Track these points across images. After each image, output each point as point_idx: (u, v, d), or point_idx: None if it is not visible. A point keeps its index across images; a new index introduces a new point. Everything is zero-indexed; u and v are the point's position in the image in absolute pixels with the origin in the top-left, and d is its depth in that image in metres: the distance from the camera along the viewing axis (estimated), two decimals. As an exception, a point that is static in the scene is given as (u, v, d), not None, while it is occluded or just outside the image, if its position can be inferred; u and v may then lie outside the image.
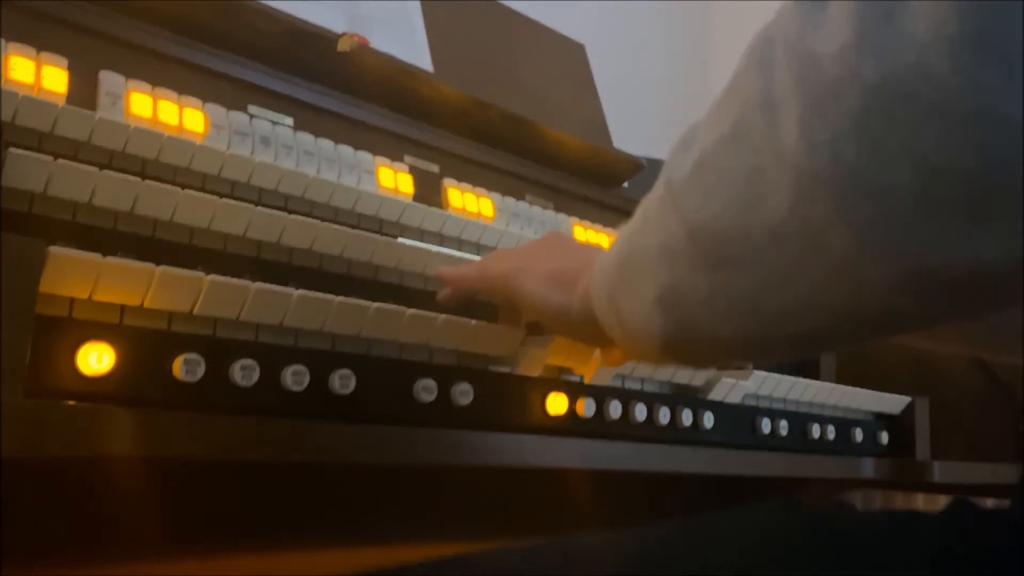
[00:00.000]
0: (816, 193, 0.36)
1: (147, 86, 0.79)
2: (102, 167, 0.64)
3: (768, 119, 0.38)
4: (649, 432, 0.76)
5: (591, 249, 0.65)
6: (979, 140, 0.31)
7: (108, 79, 0.77)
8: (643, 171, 1.29)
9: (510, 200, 1.08)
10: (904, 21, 0.32)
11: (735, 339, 0.44)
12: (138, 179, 0.65)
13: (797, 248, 0.38)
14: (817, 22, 0.36)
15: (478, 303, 0.74)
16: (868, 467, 1.00)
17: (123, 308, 0.50)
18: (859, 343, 0.47)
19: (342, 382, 0.56)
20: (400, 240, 0.84)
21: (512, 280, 0.65)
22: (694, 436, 0.80)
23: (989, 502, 0.60)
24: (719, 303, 0.43)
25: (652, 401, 0.76)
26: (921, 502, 1.58)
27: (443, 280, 0.72)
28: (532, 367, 0.69)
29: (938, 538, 0.48)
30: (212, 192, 0.71)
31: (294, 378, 0.54)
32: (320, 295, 0.57)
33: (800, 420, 0.92)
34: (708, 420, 0.80)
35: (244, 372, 0.52)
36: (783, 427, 0.89)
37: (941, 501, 0.82)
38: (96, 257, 0.48)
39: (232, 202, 0.69)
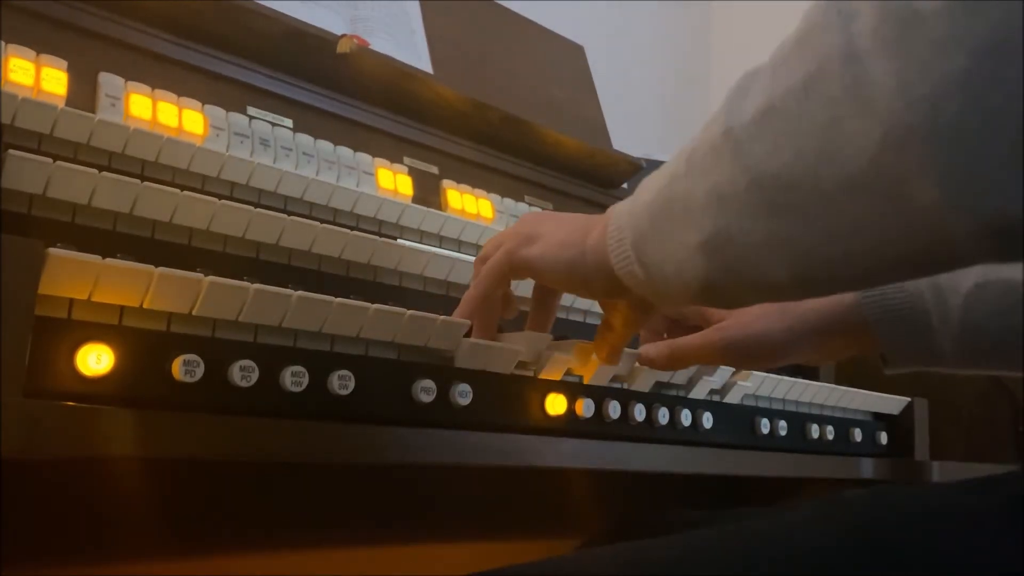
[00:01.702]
0: (908, 145, 0.36)
1: (146, 88, 0.79)
2: (101, 169, 0.64)
3: (852, 71, 0.38)
4: (648, 432, 0.76)
5: (592, 218, 0.65)
6: None
7: (108, 81, 0.77)
8: (642, 172, 1.29)
9: (509, 201, 1.08)
10: None
11: (786, 282, 0.45)
12: (137, 181, 0.65)
13: (873, 198, 0.39)
14: None
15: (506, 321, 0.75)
16: (867, 467, 1.00)
17: (122, 309, 0.50)
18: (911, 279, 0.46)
19: (341, 383, 0.56)
20: (399, 241, 0.84)
21: (521, 250, 0.66)
22: (693, 436, 0.80)
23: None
24: (776, 248, 0.44)
25: (651, 401, 0.76)
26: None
27: (468, 312, 0.70)
28: (554, 371, 0.70)
29: None
30: (211, 194, 0.71)
31: (293, 379, 0.54)
32: (319, 296, 0.57)
33: (799, 420, 0.92)
34: (707, 420, 0.80)
35: (243, 373, 0.52)
36: (782, 427, 0.89)
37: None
38: (95, 258, 0.48)
39: (231, 203, 0.69)
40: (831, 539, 0.52)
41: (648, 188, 0.54)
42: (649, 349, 0.73)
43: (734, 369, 0.85)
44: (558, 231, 0.65)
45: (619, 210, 0.58)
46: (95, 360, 0.47)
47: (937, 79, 0.35)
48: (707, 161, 0.47)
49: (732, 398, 0.86)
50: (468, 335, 0.67)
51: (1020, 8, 0.33)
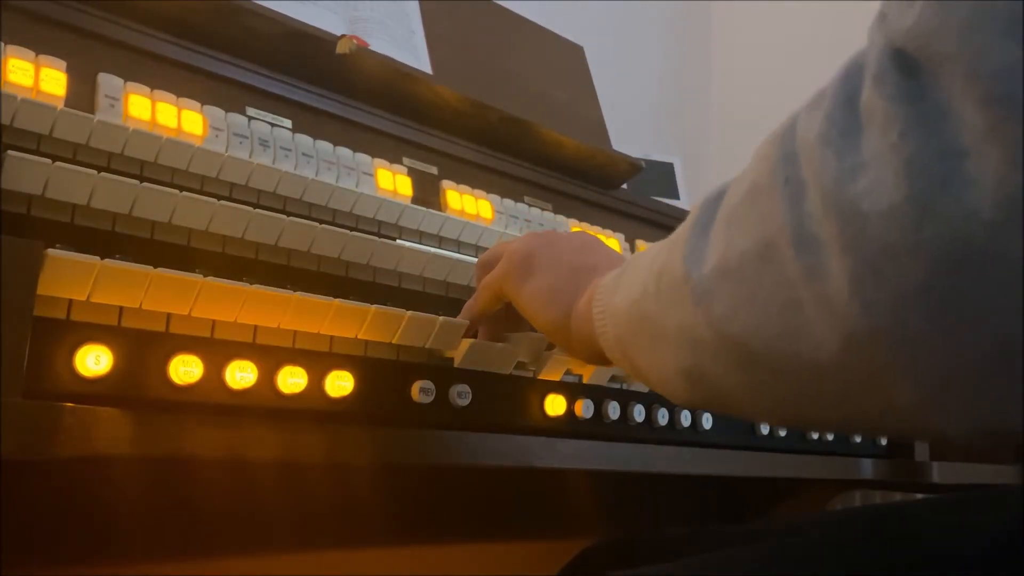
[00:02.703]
0: (875, 348, 0.34)
1: (146, 88, 0.79)
2: (101, 169, 0.64)
3: (804, 260, 0.35)
4: (647, 433, 0.76)
5: (588, 260, 0.63)
6: None
7: (107, 81, 0.77)
8: (642, 172, 1.29)
9: (509, 202, 1.08)
10: (965, 193, 0.30)
11: (768, 420, 0.44)
12: (136, 181, 0.65)
13: (845, 386, 0.36)
14: (854, 167, 0.33)
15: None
16: (867, 468, 1.00)
17: (121, 310, 0.50)
18: None
19: (340, 384, 0.56)
20: (399, 242, 0.84)
21: (512, 284, 0.65)
22: (693, 437, 0.80)
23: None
24: (751, 396, 0.42)
25: (651, 402, 0.76)
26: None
27: (473, 317, 0.69)
28: (554, 372, 0.70)
29: None
30: (211, 194, 0.71)
31: (292, 380, 0.54)
32: (318, 297, 0.57)
33: (799, 421, 0.92)
34: (707, 421, 0.80)
35: (241, 374, 0.52)
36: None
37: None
38: (94, 259, 0.48)
39: (231, 204, 0.69)
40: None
41: (626, 288, 0.51)
42: None
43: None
44: (550, 275, 0.63)
45: (603, 292, 0.55)
46: (94, 361, 0.47)
47: (894, 289, 0.32)
48: (673, 296, 0.45)
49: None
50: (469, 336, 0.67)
51: (980, 223, 0.30)
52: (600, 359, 0.57)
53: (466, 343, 0.64)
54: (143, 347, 0.49)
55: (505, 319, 0.71)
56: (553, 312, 0.61)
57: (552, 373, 0.70)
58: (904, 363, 0.33)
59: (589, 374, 0.72)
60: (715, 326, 0.41)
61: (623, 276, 0.53)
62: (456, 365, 0.64)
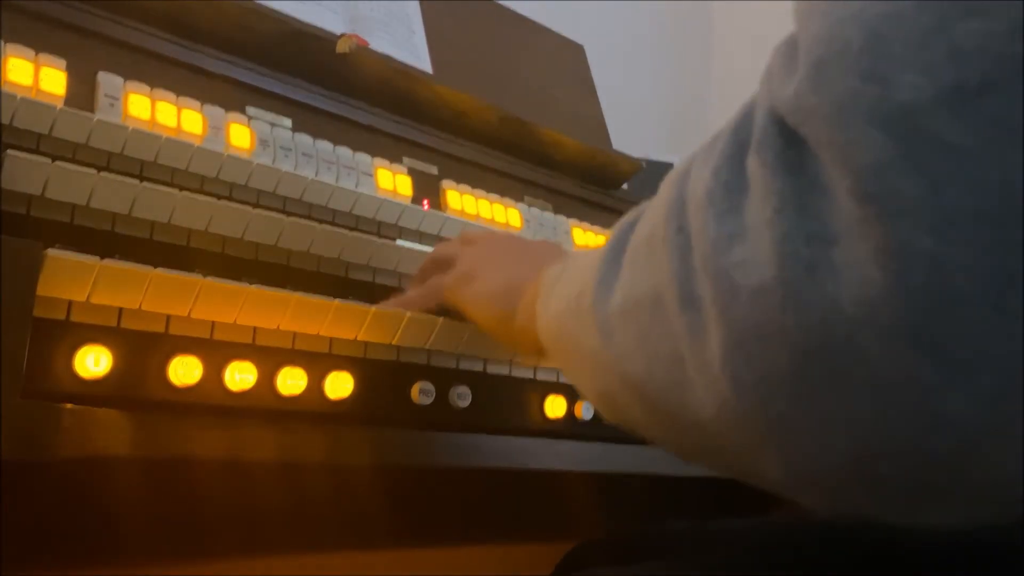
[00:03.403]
0: (743, 426, 0.33)
1: (145, 88, 0.79)
2: (100, 169, 0.64)
3: (687, 318, 0.35)
4: (647, 434, 0.76)
5: (536, 258, 0.63)
6: (916, 434, 0.29)
7: (106, 81, 0.77)
8: (642, 172, 1.29)
9: (509, 201, 1.08)
10: (829, 282, 0.29)
11: (677, 455, 0.43)
12: (136, 181, 0.65)
13: (725, 448, 0.36)
14: (731, 235, 0.32)
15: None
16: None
17: (121, 311, 0.50)
18: None
19: (339, 385, 0.56)
20: (398, 242, 0.84)
21: (461, 290, 0.65)
22: (692, 438, 0.80)
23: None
24: (654, 431, 0.42)
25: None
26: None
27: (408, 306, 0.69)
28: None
29: None
30: (210, 194, 0.71)
31: (291, 381, 0.54)
32: (318, 298, 0.56)
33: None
34: (706, 422, 0.80)
35: (241, 375, 0.52)
36: (782, 429, 0.89)
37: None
38: (94, 259, 0.48)
39: (230, 204, 0.69)
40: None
41: (558, 296, 0.51)
42: None
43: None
44: (496, 277, 0.63)
45: (545, 286, 0.55)
46: (93, 362, 0.47)
47: (759, 371, 0.31)
48: (585, 321, 0.44)
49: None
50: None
51: (840, 316, 0.29)
52: (543, 353, 0.57)
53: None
54: (142, 348, 0.49)
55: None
56: (497, 309, 0.61)
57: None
58: (769, 442, 0.33)
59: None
60: (616, 363, 0.41)
61: (560, 279, 0.52)
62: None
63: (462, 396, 0.62)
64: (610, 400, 0.44)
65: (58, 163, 0.61)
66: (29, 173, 0.60)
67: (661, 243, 0.37)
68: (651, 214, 0.40)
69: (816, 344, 0.30)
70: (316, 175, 0.87)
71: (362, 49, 0.97)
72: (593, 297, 0.43)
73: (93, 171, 0.63)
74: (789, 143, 0.31)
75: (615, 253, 0.42)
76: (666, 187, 0.39)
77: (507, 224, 1.05)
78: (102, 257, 0.49)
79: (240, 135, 0.83)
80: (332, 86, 0.95)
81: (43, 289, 0.46)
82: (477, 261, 0.66)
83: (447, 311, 0.67)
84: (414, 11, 1.13)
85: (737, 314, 0.32)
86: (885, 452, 0.30)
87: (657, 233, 0.37)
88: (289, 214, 0.73)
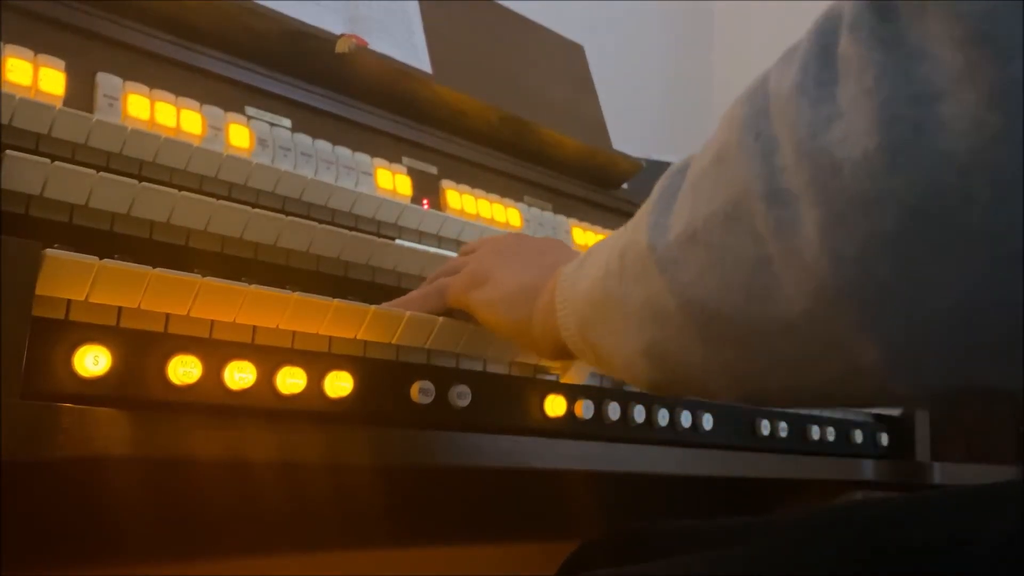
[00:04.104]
0: (841, 304, 0.33)
1: (144, 88, 0.79)
2: (99, 169, 0.64)
3: (776, 213, 0.35)
4: (648, 434, 0.76)
5: (548, 258, 0.63)
6: None
7: (105, 81, 0.77)
8: (643, 172, 1.29)
9: (509, 201, 1.08)
10: (938, 137, 0.30)
11: (729, 397, 0.43)
12: (135, 181, 0.65)
13: (811, 345, 0.36)
14: (829, 116, 0.33)
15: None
16: (868, 469, 1.00)
17: (120, 310, 0.50)
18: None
19: (339, 384, 0.56)
20: (398, 242, 0.84)
21: (473, 294, 0.65)
22: (693, 438, 0.80)
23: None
24: (714, 370, 0.42)
25: (651, 403, 0.76)
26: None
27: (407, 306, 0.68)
28: (581, 375, 0.70)
29: None
30: (209, 194, 0.71)
31: (291, 380, 0.54)
32: (317, 298, 0.56)
33: (800, 421, 0.92)
34: (707, 421, 0.80)
35: (240, 374, 0.51)
36: (783, 428, 0.89)
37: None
38: (93, 259, 0.48)
39: (229, 204, 0.69)
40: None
41: (588, 270, 0.51)
42: None
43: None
44: (508, 281, 0.63)
45: (565, 281, 0.55)
46: (92, 361, 0.47)
47: (862, 240, 0.32)
48: (636, 270, 0.44)
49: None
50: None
51: (952, 167, 0.29)
52: (564, 353, 0.57)
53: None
54: (142, 347, 0.49)
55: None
56: (515, 314, 0.61)
57: (577, 377, 0.70)
58: (869, 319, 0.33)
59: (566, 371, 0.72)
60: (680, 294, 0.41)
61: (585, 262, 0.52)
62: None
63: (462, 395, 0.62)
64: (661, 352, 0.44)
65: (57, 163, 0.61)
66: (28, 173, 0.60)
67: (735, 156, 0.37)
68: (712, 143, 0.40)
69: (925, 201, 0.30)
70: (315, 175, 0.87)
71: (362, 49, 0.97)
72: (648, 240, 0.43)
73: (92, 171, 0.63)
74: (885, 19, 0.32)
75: (666, 199, 0.43)
76: (731, 111, 0.39)
77: (507, 224, 1.05)
78: (101, 257, 0.49)
79: (239, 135, 0.83)
80: (331, 86, 0.95)
81: (42, 288, 0.46)
82: (485, 263, 0.66)
83: (450, 312, 0.66)
84: (414, 11, 1.13)
85: (838, 188, 0.32)
86: (993, 305, 0.30)
87: (727, 151, 0.38)
88: (288, 214, 0.73)
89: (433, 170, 1.02)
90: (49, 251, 0.46)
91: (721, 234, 0.38)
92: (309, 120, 0.92)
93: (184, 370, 0.50)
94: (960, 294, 0.31)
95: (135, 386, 0.48)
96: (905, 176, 0.30)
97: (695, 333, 0.41)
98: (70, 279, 0.47)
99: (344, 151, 0.92)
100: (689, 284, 0.40)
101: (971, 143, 0.29)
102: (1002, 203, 0.29)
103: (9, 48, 0.70)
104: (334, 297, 0.57)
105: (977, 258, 0.30)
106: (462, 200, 1.01)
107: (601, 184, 1.24)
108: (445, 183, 1.02)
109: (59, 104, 0.70)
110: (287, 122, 0.90)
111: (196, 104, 0.82)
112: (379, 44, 1.02)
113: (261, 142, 0.85)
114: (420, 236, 0.91)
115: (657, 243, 0.42)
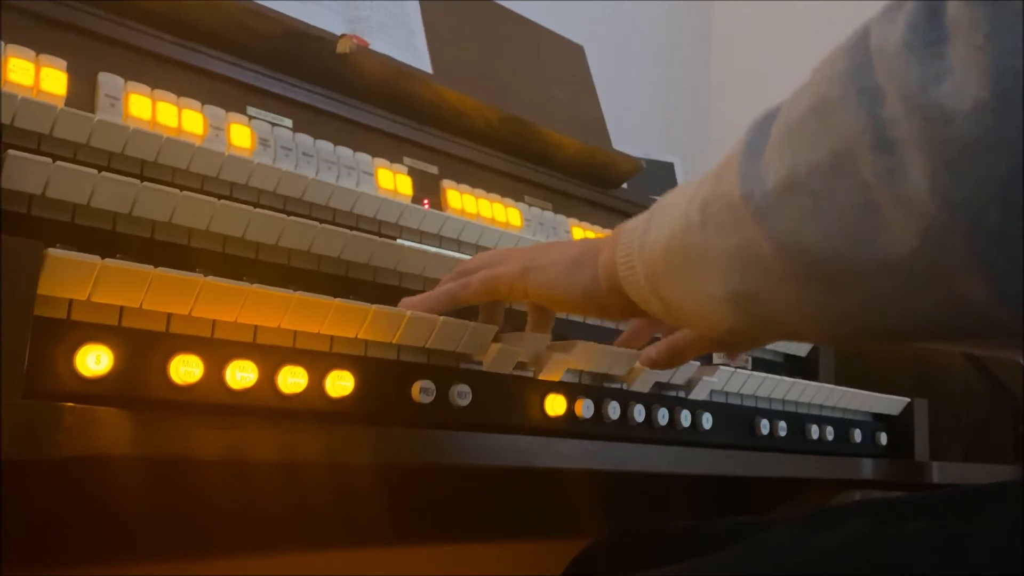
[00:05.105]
0: (951, 244, 0.35)
1: (146, 88, 0.79)
2: (101, 169, 0.64)
3: (885, 161, 0.37)
4: (648, 433, 0.76)
5: (578, 241, 0.66)
6: None
7: (107, 81, 0.77)
8: (642, 172, 1.29)
9: (509, 201, 1.08)
10: None
11: (816, 337, 0.46)
12: (137, 181, 0.65)
13: (916, 283, 0.38)
14: (939, 72, 0.35)
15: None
16: (867, 468, 1.00)
17: (122, 310, 0.50)
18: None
19: (340, 384, 0.56)
20: (399, 241, 0.84)
21: (531, 275, 0.66)
22: (693, 437, 0.80)
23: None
24: (807, 312, 0.44)
25: (650, 402, 0.76)
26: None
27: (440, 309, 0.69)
28: (554, 372, 0.70)
29: None
30: (211, 194, 0.71)
31: (292, 380, 0.54)
32: (318, 297, 0.57)
33: (799, 421, 0.92)
34: (707, 421, 0.80)
35: (241, 374, 0.52)
36: (782, 428, 0.89)
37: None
38: (94, 259, 0.48)
39: (231, 204, 0.69)
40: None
41: (660, 225, 0.53)
42: (650, 350, 0.74)
43: (734, 370, 0.85)
44: (562, 256, 0.65)
45: (628, 236, 0.57)
46: (94, 361, 0.47)
47: (974, 185, 0.34)
48: (724, 219, 0.46)
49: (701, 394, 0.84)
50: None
51: None
52: (632, 309, 0.59)
53: (495, 347, 0.65)
54: (143, 347, 0.49)
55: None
56: (581, 277, 0.63)
57: (552, 373, 0.70)
58: (979, 257, 0.35)
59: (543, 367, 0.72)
60: (778, 241, 0.42)
61: (654, 218, 0.55)
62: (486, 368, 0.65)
63: (462, 395, 0.62)
64: (748, 297, 0.46)
65: (59, 163, 0.61)
66: (30, 173, 0.60)
67: (838, 108, 0.39)
68: (806, 96, 0.42)
69: None
70: (316, 175, 0.87)
71: (362, 49, 0.97)
72: (742, 190, 0.44)
73: (94, 171, 0.63)
74: None
75: (753, 150, 0.44)
76: (828, 65, 0.41)
77: (507, 223, 1.05)
78: (103, 256, 0.49)
79: (241, 135, 0.83)
80: (332, 86, 0.95)
81: (44, 288, 0.46)
82: (525, 254, 0.68)
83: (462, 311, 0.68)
84: (414, 11, 1.13)
85: (949, 140, 0.34)
86: None
87: (828, 103, 0.40)
88: (290, 213, 0.74)
89: (434, 170, 1.03)
90: (51, 251, 0.46)
91: (824, 183, 0.40)
92: (310, 120, 0.92)
93: (186, 369, 0.50)
94: None
95: (137, 386, 0.49)
96: (1016, 124, 0.32)
97: (791, 277, 0.43)
98: (72, 279, 0.48)
99: (345, 151, 0.92)
100: (788, 231, 0.42)
101: None
102: None
103: (11, 48, 0.71)
104: (335, 297, 0.58)
105: None
106: (463, 200, 1.02)
107: (601, 184, 1.24)
108: (446, 183, 1.02)
109: (61, 104, 0.70)
110: (288, 122, 0.90)
111: (198, 104, 0.82)
112: (380, 44, 1.02)
113: (263, 142, 0.85)
114: (421, 236, 0.91)
115: (753, 191, 0.44)
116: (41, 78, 0.71)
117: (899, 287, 0.39)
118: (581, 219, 1.17)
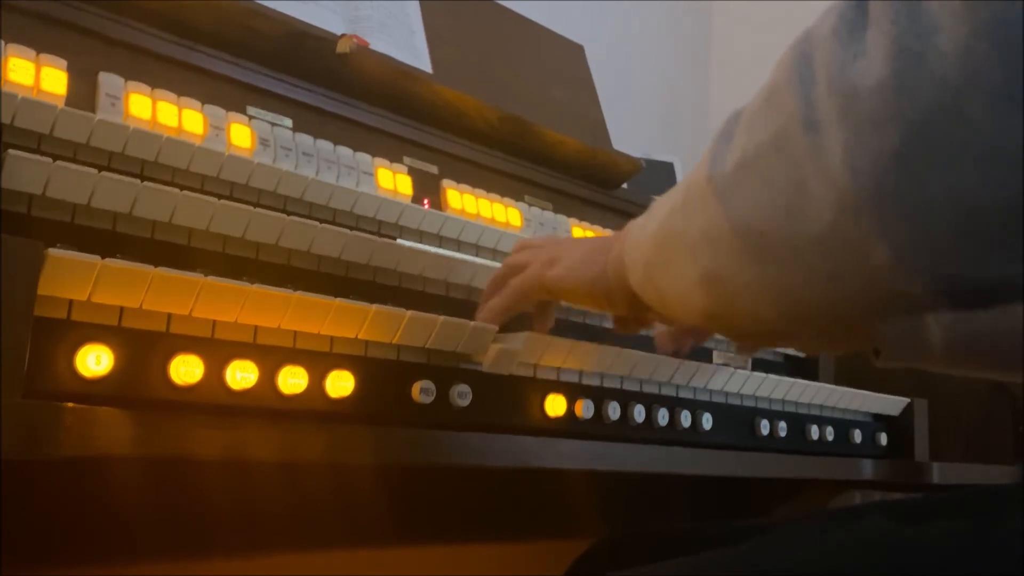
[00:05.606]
0: (859, 212, 0.39)
1: (146, 88, 0.79)
2: (101, 169, 0.64)
3: (810, 138, 0.41)
4: (647, 433, 0.76)
5: (599, 238, 0.71)
6: (1018, 181, 0.34)
7: (107, 81, 0.77)
8: (643, 172, 1.29)
9: (509, 201, 1.08)
10: (936, 64, 0.35)
11: (775, 318, 0.48)
12: (137, 180, 0.65)
13: (837, 255, 0.42)
14: (856, 53, 0.39)
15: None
16: (867, 468, 1.00)
17: (122, 310, 0.50)
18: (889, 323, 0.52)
19: (340, 384, 0.56)
20: (399, 241, 0.84)
21: (547, 274, 0.71)
22: (693, 437, 0.80)
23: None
24: (762, 289, 0.47)
25: (650, 402, 0.76)
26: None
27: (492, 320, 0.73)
28: (502, 366, 0.69)
29: None
30: (211, 194, 0.71)
31: (292, 380, 0.54)
32: (318, 297, 0.57)
33: (799, 421, 0.92)
34: (707, 421, 0.80)
35: (242, 374, 0.52)
36: (782, 428, 0.89)
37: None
38: (95, 259, 0.48)
39: (231, 204, 0.69)
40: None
41: (655, 215, 0.57)
42: (658, 338, 0.80)
43: (734, 370, 0.85)
44: (577, 250, 0.70)
45: (634, 228, 0.61)
46: (94, 361, 0.47)
47: (876, 154, 0.37)
48: (696, 202, 0.50)
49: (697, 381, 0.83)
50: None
51: (947, 88, 0.35)
52: (639, 304, 0.63)
53: (495, 347, 0.65)
54: (144, 347, 0.49)
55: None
56: (590, 270, 0.68)
57: (500, 367, 0.67)
58: (881, 223, 0.38)
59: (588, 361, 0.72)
60: (734, 219, 0.46)
61: (653, 209, 0.58)
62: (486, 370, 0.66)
63: (462, 395, 0.62)
64: (714, 278, 0.49)
65: (59, 163, 0.61)
66: (30, 172, 0.60)
67: (782, 92, 0.43)
68: (765, 86, 0.46)
69: (926, 118, 0.36)
70: (317, 175, 0.87)
71: (362, 49, 0.97)
72: (708, 172, 0.48)
73: (94, 171, 0.63)
74: None
75: (725, 136, 0.48)
76: (783, 57, 0.45)
77: (507, 223, 1.05)
78: (103, 256, 0.49)
79: (241, 135, 0.83)
80: (332, 86, 0.95)
81: (44, 288, 0.46)
82: (552, 248, 0.73)
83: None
84: (414, 11, 1.13)
85: (857, 113, 0.38)
86: (986, 207, 0.36)
87: (776, 90, 0.44)
88: (290, 213, 0.73)
89: (434, 170, 1.03)
90: (51, 251, 0.46)
91: (767, 160, 0.44)
92: (310, 120, 0.92)
93: (186, 370, 0.50)
94: (955, 199, 0.36)
95: (137, 386, 0.49)
96: (910, 98, 0.36)
97: (745, 254, 0.46)
98: (72, 279, 0.48)
99: (345, 151, 0.92)
100: (740, 207, 0.45)
101: (962, 67, 0.34)
102: (992, 121, 0.34)
103: (11, 48, 0.71)
104: (335, 297, 0.57)
105: (969, 166, 0.35)
106: (463, 200, 1.02)
107: (601, 184, 1.24)
108: (446, 183, 1.02)
109: (61, 104, 0.70)
110: (288, 122, 0.90)
111: (198, 104, 0.82)
112: (380, 44, 1.02)
113: (263, 142, 0.85)
114: (421, 236, 0.91)
115: (715, 173, 0.47)
116: (41, 78, 0.71)
117: (826, 259, 0.42)
118: (581, 219, 1.17)
